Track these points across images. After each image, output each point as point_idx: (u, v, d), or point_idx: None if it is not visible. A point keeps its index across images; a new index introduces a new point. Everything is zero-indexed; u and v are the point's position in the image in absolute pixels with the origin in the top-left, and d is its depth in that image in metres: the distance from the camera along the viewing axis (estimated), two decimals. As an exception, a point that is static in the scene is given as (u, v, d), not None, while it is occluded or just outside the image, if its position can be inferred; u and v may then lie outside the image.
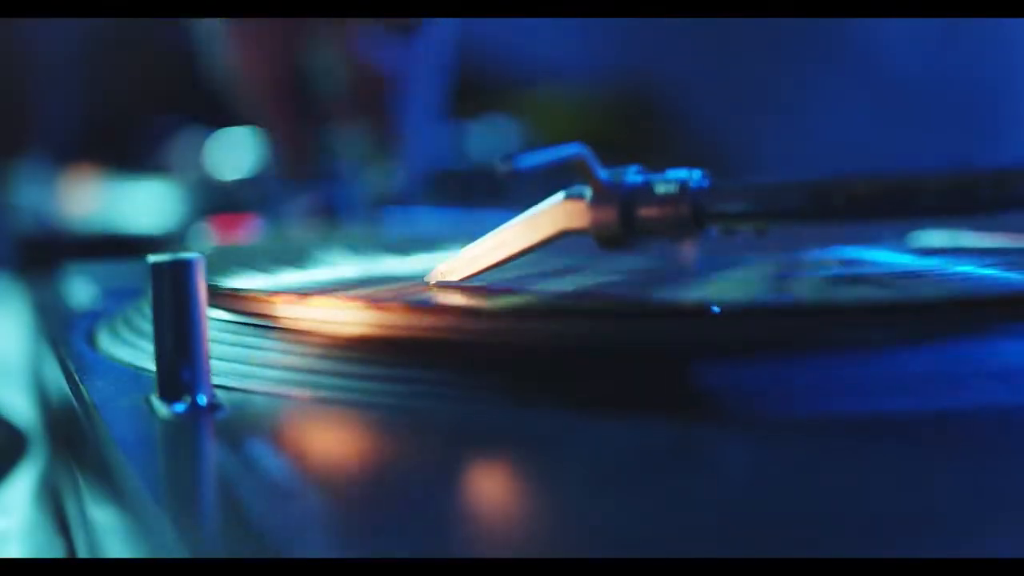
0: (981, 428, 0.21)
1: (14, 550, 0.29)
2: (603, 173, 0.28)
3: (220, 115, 0.79)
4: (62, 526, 0.30)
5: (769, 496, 0.18)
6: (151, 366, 0.24)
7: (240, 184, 0.74)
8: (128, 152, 0.86)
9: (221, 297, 0.28)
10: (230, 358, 0.26)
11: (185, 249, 0.28)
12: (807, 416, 0.22)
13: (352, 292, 0.27)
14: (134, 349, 0.29)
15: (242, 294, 0.28)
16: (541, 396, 0.23)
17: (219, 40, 0.62)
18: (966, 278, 0.28)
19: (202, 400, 0.23)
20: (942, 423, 0.21)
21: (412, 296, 0.27)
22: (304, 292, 0.27)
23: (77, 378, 0.26)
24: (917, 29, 0.66)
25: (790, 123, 0.68)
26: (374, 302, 0.25)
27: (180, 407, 0.23)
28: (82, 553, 0.26)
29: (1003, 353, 0.23)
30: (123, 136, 0.89)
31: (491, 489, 0.19)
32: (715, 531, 0.16)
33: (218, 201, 0.69)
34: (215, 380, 0.24)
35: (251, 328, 0.27)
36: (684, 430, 0.21)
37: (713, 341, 0.23)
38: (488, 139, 0.84)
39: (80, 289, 0.40)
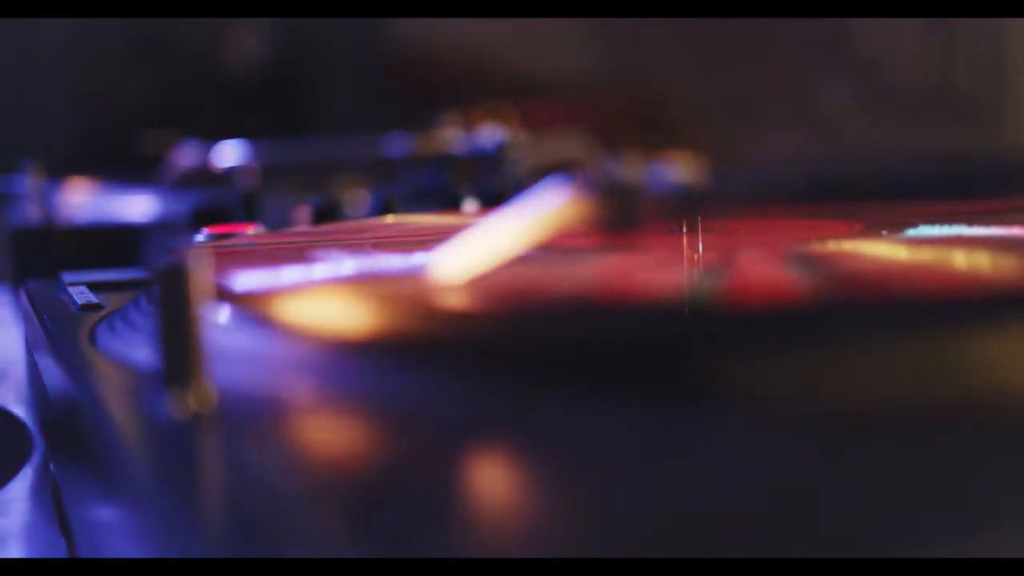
0: (983, 418, 0.21)
1: (14, 550, 0.29)
2: (602, 166, 0.28)
3: (218, 126, 0.79)
4: (63, 526, 0.30)
5: (771, 494, 0.18)
6: (151, 364, 0.24)
7: (238, 193, 0.74)
8: (127, 161, 0.86)
9: (221, 295, 0.28)
10: (230, 356, 0.26)
11: (185, 251, 0.28)
12: (809, 410, 0.22)
13: (351, 288, 0.27)
14: (133, 348, 0.29)
15: (242, 292, 0.28)
16: (540, 392, 0.23)
17: None
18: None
19: (203, 398, 0.23)
20: (944, 416, 0.21)
21: (411, 291, 0.27)
22: (303, 290, 0.27)
23: (77, 377, 0.26)
24: (913, 22, 0.66)
25: (786, 117, 0.68)
26: (374, 298, 0.25)
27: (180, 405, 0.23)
28: (83, 553, 0.26)
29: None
30: (122, 145, 0.89)
31: (493, 487, 0.19)
32: (717, 531, 0.16)
33: (216, 210, 0.69)
34: (216, 378, 0.24)
35: (251, 325, 0.27)
36: (684, 426, 0.21)
37: (711, 334, 0.23)
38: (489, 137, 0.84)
39: (78, 292, 0.40)
